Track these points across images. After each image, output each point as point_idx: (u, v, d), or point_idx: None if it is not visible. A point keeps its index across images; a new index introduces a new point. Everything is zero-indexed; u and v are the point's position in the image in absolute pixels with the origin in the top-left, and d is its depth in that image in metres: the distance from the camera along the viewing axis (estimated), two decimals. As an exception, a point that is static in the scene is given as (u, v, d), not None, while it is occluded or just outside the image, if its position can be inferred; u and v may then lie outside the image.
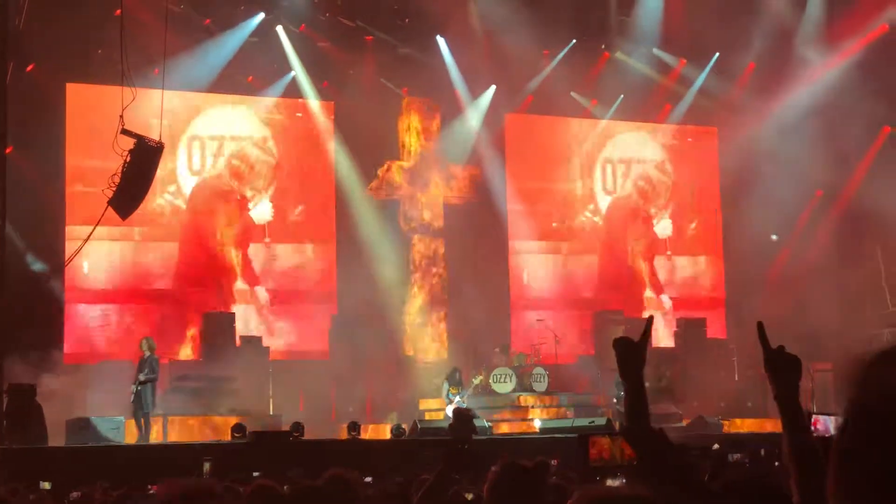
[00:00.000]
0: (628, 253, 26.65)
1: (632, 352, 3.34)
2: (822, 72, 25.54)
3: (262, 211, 23.94)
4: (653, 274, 26.81)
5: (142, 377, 18.79)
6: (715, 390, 22.72)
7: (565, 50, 25.30)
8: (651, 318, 3.45)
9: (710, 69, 26.31)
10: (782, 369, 3.25)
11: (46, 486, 12.96)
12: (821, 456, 3.02)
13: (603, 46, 25.82)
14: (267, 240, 23.83)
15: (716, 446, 16.05)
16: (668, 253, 26.90)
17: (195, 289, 23.12)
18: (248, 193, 23.89)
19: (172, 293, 23.02)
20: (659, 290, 26.74)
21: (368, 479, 11.61)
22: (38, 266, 21.16)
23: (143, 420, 18.62)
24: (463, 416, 17.50)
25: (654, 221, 26.92)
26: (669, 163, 27.07)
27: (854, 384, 1.60)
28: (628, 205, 26.79)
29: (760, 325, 3.39)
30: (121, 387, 19.49)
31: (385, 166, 24.76)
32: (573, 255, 26.26)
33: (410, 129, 25.05)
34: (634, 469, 3.28)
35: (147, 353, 18.97)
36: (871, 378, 1.59)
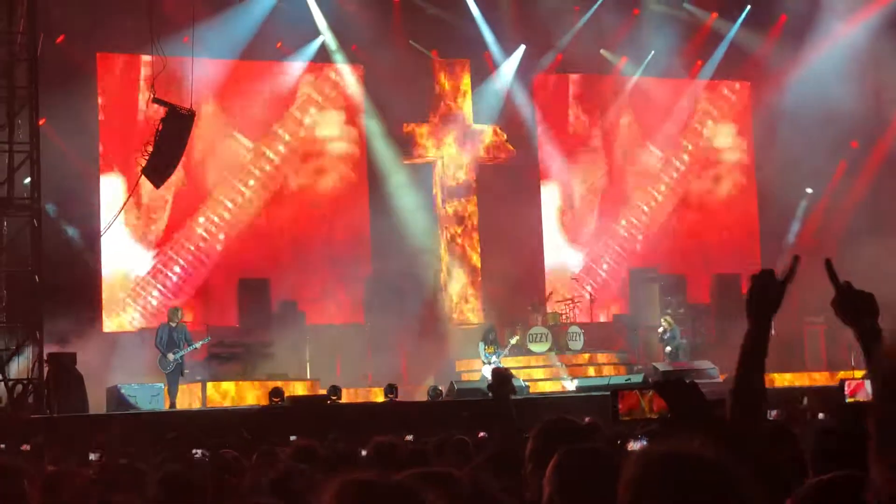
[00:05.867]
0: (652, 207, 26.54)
1: (770, 290, 3.02)
2: (854, 21, 25.23)
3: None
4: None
5: (190, 348, 18.88)
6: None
7: (595, 6, 25.10)
8: (797, 258, 3.08)
9: (741, 22, 26.05)
10: (858, 304, 3.05)
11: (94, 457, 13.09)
12: None
13: (632, 3, 25.62)
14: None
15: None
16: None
17: (231, 255, 23.24)
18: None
19: (209, 260, 23.15)
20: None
21: (409, 437, 11.68)
22: (71, 231, 21.25)
23: (176, 389, 18.67)
24: (501, 375, 17.51)
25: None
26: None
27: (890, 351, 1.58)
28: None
29: (829, 263, 3.15)
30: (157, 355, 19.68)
31: (416, 128, 24.70)
32: (606, 211, 26.17)
33: (441, 91, 24.96)
34: (667, 421, 3.16)
35: (175, 323, 18.95)
36: None
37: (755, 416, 3.01)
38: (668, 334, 22.33)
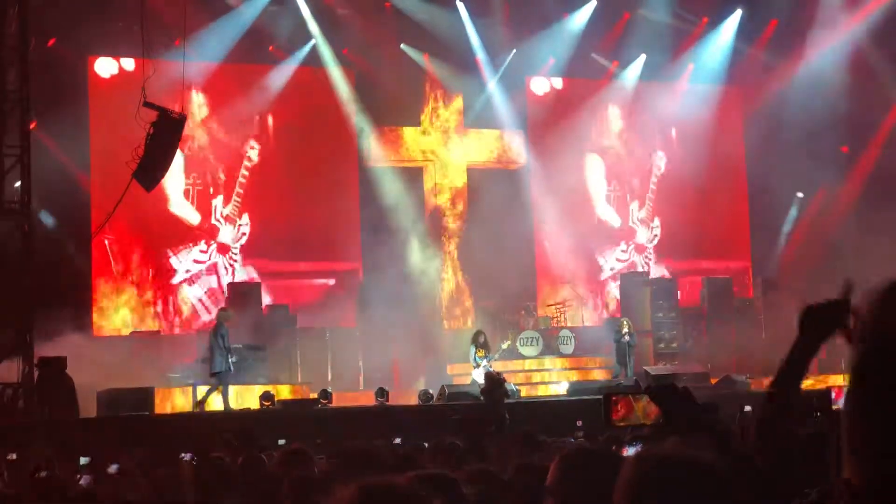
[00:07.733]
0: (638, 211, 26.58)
1: (834, 316, 2.83)
2: (845, 26, 25.29)
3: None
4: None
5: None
6: (742, 349, 22.68)
7: (587, 11, 25.09)
8: (849, 282, 2.87)
9: (732, 27, 26.07)
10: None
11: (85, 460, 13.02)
12: None
13: (624, 7, 25.64)
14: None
15: (747, 408, 15.92)
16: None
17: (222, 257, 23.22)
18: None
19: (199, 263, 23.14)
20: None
21: (398, 440, 11.68)
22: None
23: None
24: (493, 379, 17.57)
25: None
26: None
27: (871, 311, 1.60)
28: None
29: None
30: (150, 358, 19.64)
31: (407, 132, 24.72)
32: (599, 215, 26.20)
33: (432, 95, 24.97)
34: (661, 427, 3.12)
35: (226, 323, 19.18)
36: (887, 304, 1.59)
37: (784, 426, 2.94)
38: (626, 338, 21.37)
